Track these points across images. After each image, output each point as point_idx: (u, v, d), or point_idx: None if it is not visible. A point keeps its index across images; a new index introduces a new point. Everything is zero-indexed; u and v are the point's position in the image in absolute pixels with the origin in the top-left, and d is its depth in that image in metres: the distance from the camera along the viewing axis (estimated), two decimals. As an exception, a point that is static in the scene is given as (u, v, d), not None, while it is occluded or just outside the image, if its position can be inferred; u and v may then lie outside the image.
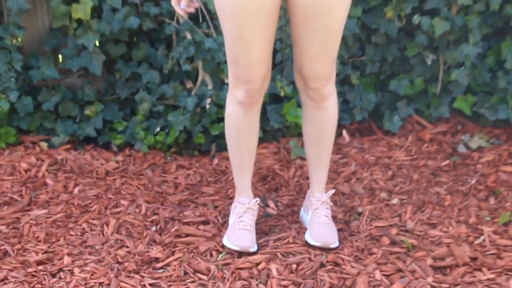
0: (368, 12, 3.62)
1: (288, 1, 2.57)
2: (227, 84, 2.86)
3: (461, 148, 3.55)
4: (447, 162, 3.41)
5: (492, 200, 3.02)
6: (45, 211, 2.97)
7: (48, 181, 3.26)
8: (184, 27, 3.51)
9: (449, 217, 2.89)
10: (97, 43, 3.56)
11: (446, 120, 3.77)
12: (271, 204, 3.06)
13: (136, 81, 3.64)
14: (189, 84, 3.64)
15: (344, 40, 3.57)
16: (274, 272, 2.51)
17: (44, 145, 3.58)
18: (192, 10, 2.60)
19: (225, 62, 2.81)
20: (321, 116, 2.75)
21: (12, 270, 2.57)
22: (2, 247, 2.66)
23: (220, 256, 2.65)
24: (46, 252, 2.67)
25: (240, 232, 2.74)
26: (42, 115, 3.61)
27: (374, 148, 3.57)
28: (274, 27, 2.59)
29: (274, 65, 3.50)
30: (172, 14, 3.57)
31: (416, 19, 3.54)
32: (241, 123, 2.75)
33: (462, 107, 3.66)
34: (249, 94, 2.64)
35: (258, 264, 2.59)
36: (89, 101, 3.64)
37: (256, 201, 2.85)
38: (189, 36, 3.49)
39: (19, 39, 3.52)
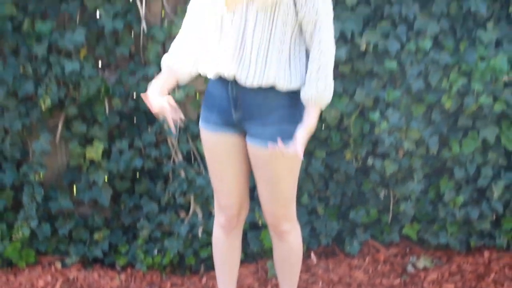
0: (331, 155, 3.69)
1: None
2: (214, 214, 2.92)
3: (410, 268, 3.57)
4: (398, 280, 3.47)
5: (437, 314, 3.08)
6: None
7: (62, 297, 3.27)
8: (179, 167, 3.58)
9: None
10: (106, 179, 3.60)
11: (397, 244, 3.76)
12: (251, 317, 3.04)
13: (138, 211, 3.66)
14: (182, 214, 3.64)
15: (311, 177, 3.67)
16: None
17: (58, 265, 3.58)
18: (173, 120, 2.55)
19: (213, 196, 2.88)
20: (283, 248, 2.77)
21: None
22: None
23: None
24: None
25: None
26: (58, 239, 3.62)
27: (338, 269, 3.58)
28: (242, 164, 2.66)
29: (254, 198, 3.48)
30: (169, 155, 3.62)
31: (370, 160, 3.60)
32: (224, 245, 2.79)
33: (410, 233, 3.70)
34: (228, 218, 2.71)
35: None
36: (98, 227, 3.65)
37: None
38: (183, 174, 3.55)
39: (41, 176, 3.57)
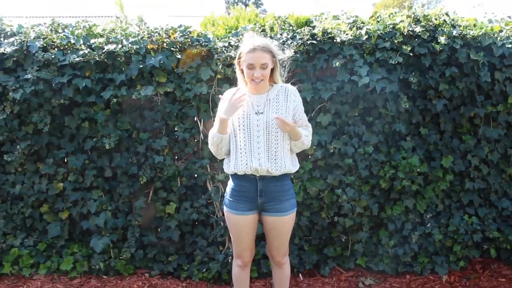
0: (312, 214, 3.87)
1: (262, 219, 2.76)
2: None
3: (361, 285, 3.74)
4: None
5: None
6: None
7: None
8: (219, 219, 3.82)
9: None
10: (177, 224, 3.85)
11: (353, 269, 3.95)
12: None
13: (195, 245, 3.92)
14: (221, 248, 3.88)
15: (300, 227, 3.88)
16: None
17: (147, 275, 3.81)
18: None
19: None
20: (280, 272, 2.95)
21: None
22: None
23: None
24: None
25: None
26: (147, 260, 3.89)
27: (315, 284, 3.74)
28: (255, 230, 2.80)
29: (265, 240, 3.49)
30: (214, 212, 3.84)
31: (336, 218, 3.79)
32: (239, 276, 2.95)
33: (361, 263, 3.95)
34: (243, 262, 2.88)
35: None
36: (171, 254, 3.93)
37: None
38: (222, 223, 3.81)
39: (139, 221, 3.89)
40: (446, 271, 3.87)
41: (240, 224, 2.72)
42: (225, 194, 2.76)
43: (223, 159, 2.79)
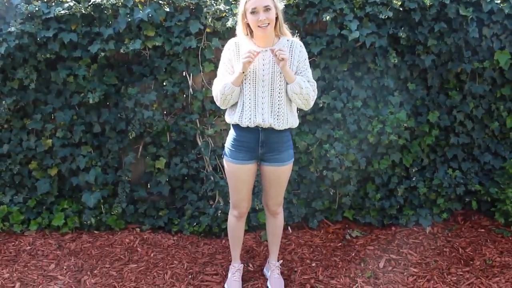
0: (301, 168, 3.85)
1: (260, 169, 2.80)
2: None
3: (348, 237, 3.77)
4: (340, 244, 3.66)
5: (362, 264, 3.37)
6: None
7: (139, 249, 3.53)
8: (210, 174, 3.81)
9: (340, 273, 3.23)
10: (167, 179, 3.83)
11: (340, 222, 3.98)
12: (250, 264, 3.37)
13: (185, 199, 3.88)
14: (211, 202, 3.86)
15: (289, 182, 3.81)
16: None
17: (138, 230, 3.78)
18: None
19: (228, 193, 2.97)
20: (274, 222, 3.01)
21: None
22: None
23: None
24: None
25: (233, 282, 3.04)
26: (138, 214, 3.88)
27: (304, 236, 3.78)
28: (252, 180, 2.80)
29: (254, 193, 3.72)
30: (204, 167, 3.83)
31: (324, 172, 3.76)
32: (235, 227, 2.98)
33: (348, 215, 3.99)
34: (239, 213, 2.90)
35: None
36: (161, 208, 3.89)
37: (242, 265, 3.12)
38: (212, 178, 3.82)
39: (129, 177, 3.84)
40: (430, 223, 3.91)
41: (239, 173, 2.71)
42: (225, 144, 2.77)
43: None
